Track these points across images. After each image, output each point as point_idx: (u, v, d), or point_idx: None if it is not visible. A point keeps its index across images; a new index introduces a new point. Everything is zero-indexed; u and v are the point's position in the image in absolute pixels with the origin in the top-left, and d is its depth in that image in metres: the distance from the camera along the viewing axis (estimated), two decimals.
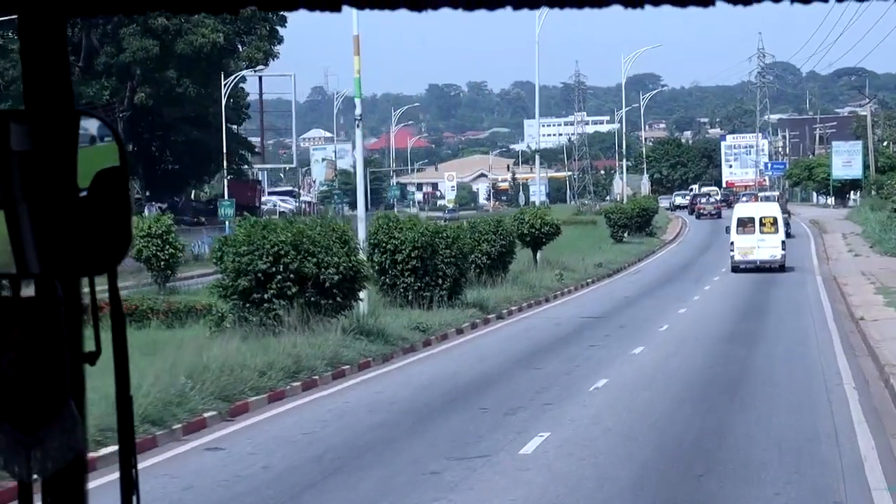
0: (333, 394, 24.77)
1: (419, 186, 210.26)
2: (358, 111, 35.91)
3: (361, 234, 34.82)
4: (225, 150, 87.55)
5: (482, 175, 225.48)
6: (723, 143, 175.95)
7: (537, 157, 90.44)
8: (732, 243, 58.69)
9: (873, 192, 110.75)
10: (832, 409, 21.50)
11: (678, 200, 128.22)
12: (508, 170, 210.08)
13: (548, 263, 55.78)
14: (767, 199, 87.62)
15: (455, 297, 37.89)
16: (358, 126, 36.03)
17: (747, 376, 25.76)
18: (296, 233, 29.08)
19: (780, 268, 58.00)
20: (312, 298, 28.92)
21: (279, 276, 28.75)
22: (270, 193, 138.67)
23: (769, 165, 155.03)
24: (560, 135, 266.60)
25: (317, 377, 25.78)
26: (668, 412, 21.52)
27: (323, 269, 28.77)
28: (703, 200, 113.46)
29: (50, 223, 2.34)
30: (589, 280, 55.40)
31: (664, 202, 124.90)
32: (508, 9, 1.85)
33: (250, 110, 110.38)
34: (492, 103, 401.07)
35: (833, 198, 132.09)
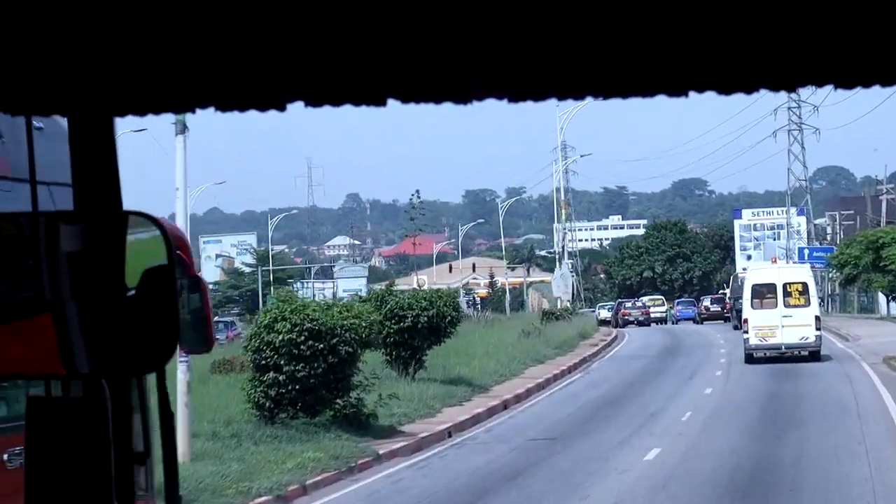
0: None
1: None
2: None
3: None
4: None
5: (475, 279, 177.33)
6: (737, 223, 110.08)
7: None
8: (746, 321, 41.27)
9: None
10: None
11: (602, 314, 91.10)
12: (490, 276, 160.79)
13: None
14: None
15: None
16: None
17: None
18: None
19: (810, 356, 39.78)
20: None
21: None
22: None
23: (807, 253, 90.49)
24: (593, 240, 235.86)
25: None
26: None
27: None
28: (629, 305, 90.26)
29: (99, 323, 2.25)
30: None
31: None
32: (553, 100, 1.75)
33: None
34: (530, 209, 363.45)
35: None
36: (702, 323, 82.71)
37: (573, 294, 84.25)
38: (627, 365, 42.24)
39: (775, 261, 53.56)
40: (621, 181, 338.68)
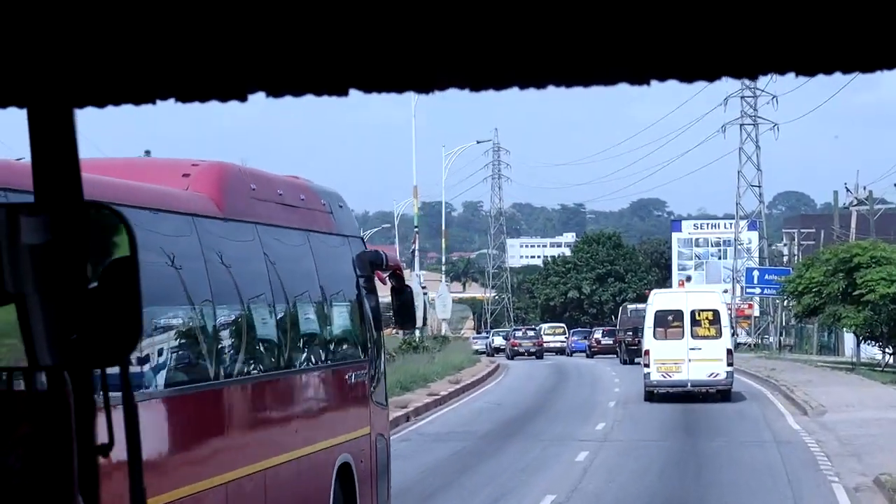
0: None
1: None
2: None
3: None
4: None
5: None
6: (675, 236, 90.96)
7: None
8: (647, 353, 35.25)
9: None
10: None
11: (497, 341, 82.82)
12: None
13: None
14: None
15: None
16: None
17: None
18: None
19: (720, 395, 34.33)
20: None
21: None
22: None
23: (756, 275, 71.72)
24: (543, 256, 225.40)
25: None
26: None
27: None
28: (519, 335, 79.39)
29: (61, 315, 2.24)
30: None
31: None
32: (515, 88, 1.74)
33: None
34: (486, 224, 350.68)
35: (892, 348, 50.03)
36: (592, 357, 74.87)
37: (424, 319, 65.21)
38: (409, 462, 23.25)
39: (683, 284, 43.95)
40: (578, 198, 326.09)
